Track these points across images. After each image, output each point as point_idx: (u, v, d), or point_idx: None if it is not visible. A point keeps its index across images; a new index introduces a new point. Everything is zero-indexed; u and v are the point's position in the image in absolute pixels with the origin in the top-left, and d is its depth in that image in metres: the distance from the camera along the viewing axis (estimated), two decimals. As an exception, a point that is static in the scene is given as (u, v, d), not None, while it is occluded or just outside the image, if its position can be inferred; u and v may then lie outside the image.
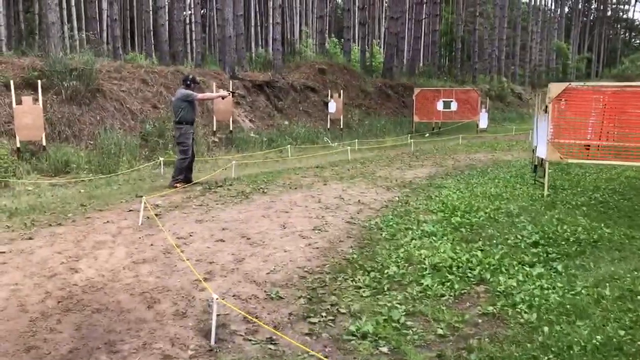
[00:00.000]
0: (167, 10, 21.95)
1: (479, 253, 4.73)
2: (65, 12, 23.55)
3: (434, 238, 5.29)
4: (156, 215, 6.20)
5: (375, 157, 12.91)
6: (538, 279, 4.14)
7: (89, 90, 11.56)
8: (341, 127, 17.59)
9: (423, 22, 31.96)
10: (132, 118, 12.27)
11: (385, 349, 3.11)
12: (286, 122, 16.78)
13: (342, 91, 18.30)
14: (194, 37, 27.09)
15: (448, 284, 4.08)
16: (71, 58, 12.03)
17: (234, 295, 3.91)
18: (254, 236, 5.48)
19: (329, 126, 17.53)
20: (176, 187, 8.04)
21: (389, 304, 3.72)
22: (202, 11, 31.78)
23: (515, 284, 4.03)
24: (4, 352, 3.04)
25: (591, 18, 57.74)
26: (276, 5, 22.58)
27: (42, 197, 7.50)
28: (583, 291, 3.87)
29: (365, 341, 3.21)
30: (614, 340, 3.11)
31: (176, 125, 8.40)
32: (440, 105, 20.64)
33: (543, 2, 49.29)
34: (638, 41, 62.27)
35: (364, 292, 3.98)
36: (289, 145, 13.53)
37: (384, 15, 40.26)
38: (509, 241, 5.21)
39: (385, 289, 4.03)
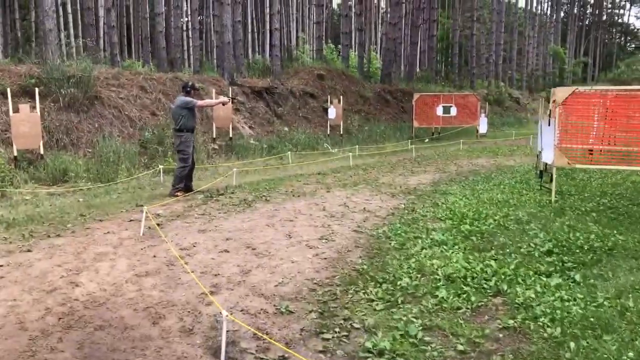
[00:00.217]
0: (164, 17, 21.83)
1: (492, 263, 4.59)
2: (62, 20, 23.45)
3: (444, 247, 5.15)
4: (158, 225, 6.03)
5: (377, 163, 12.77)
6: (557, 289, 4.00)
7: (86, 97, 11.41)
8: (341, 133, 17.48)
9: (420, 27, 31.96)
10: (130, 125, 12.12)
11: (404, 367, 2.96)
12: (286, 129, 16.65)
13: (341, 97, 18.20)
14: (191, 43, 27.00)
15: (464, 295, 3.93)
16: (69, 65, 11.88)
17: (242, 310, 3.76)
18: (259, 246, 5.33)
19: (329, 132, 17.41)
20: (177, 195, 7.87)
21: (404, 318, 3.57)
22: (199, 18, 31.70)
23: (533, 296, 3.89)
24: (3, 375, 2.88)
25: (587, 23, 58.04)
26: (274, 11, 22.49)
27: (40, 207, 7.32)
28: (605, 303, 3.73)
29: (382, 359, 3.06)
30: (645, 356, 2.97)
31: (176, 133, 8.22)
32: (439, 111, 20.55)
33: (539, 8, 49.54)
34: (633, 45, 62.62)
35: (377, 305, 3.83)
36: (289, 152, 13.38)
37: (380, 21, 40.34)
38: (522, 250, 5.08)
39: (399, 301, 3.88)
